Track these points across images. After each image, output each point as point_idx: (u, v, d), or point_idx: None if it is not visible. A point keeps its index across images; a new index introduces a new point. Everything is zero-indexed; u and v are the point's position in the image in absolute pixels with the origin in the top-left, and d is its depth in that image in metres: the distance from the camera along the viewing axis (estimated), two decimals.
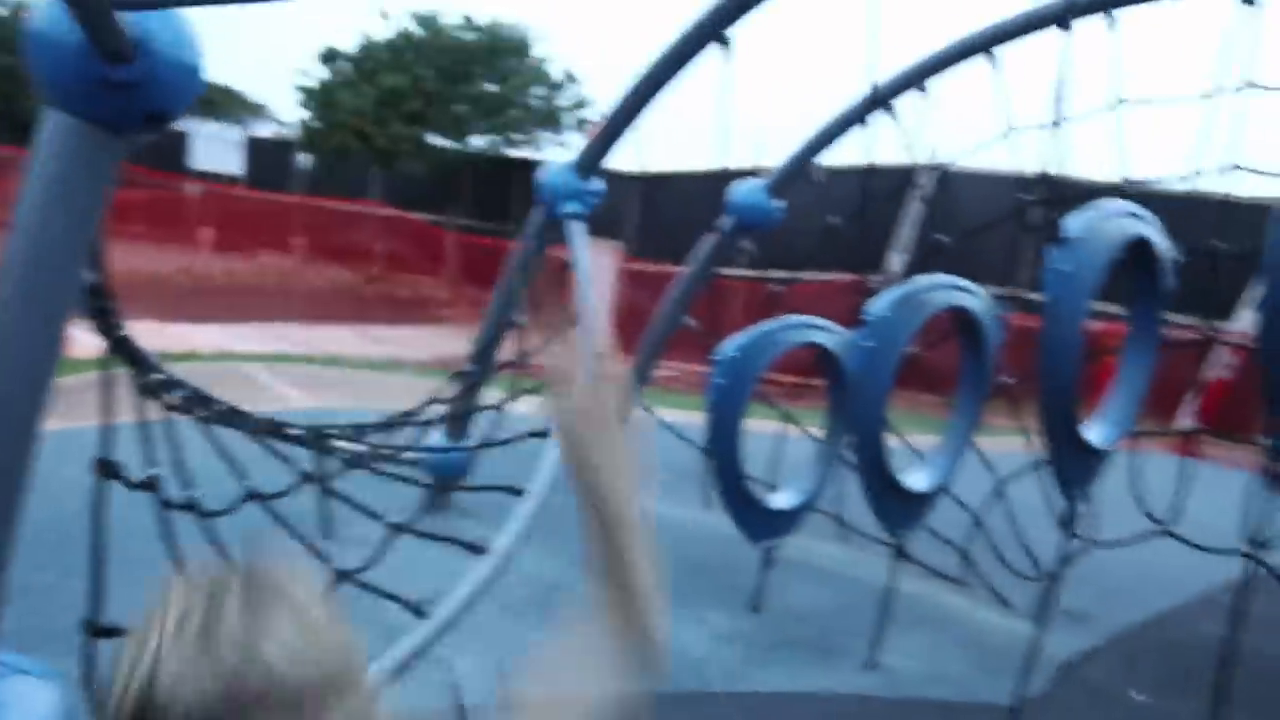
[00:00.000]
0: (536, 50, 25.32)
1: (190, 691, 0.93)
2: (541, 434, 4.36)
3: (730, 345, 4.93)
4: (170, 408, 3.46)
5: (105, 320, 2.88)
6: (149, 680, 0.94)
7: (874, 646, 4.97)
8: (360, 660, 1.12)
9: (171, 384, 3.59)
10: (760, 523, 5.34)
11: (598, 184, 5.62)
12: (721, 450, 5.02)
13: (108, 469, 2.60)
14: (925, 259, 5.76)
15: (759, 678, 4.71)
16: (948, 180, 8.08)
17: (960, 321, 5.12)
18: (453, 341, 16.34)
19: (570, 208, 5.36)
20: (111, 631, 2.67)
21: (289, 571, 1.09)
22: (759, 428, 5.33)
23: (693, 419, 10.30)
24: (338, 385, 10.62)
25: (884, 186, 6.24)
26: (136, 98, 2.26)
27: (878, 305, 4.69)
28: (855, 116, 5.77)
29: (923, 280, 4.98)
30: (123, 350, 2.95)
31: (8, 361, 2.18)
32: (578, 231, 5.26)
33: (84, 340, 2.79)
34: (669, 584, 4.89)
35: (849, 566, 6.45)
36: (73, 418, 2.84)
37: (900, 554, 5.17)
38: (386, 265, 23.86)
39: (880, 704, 4.57)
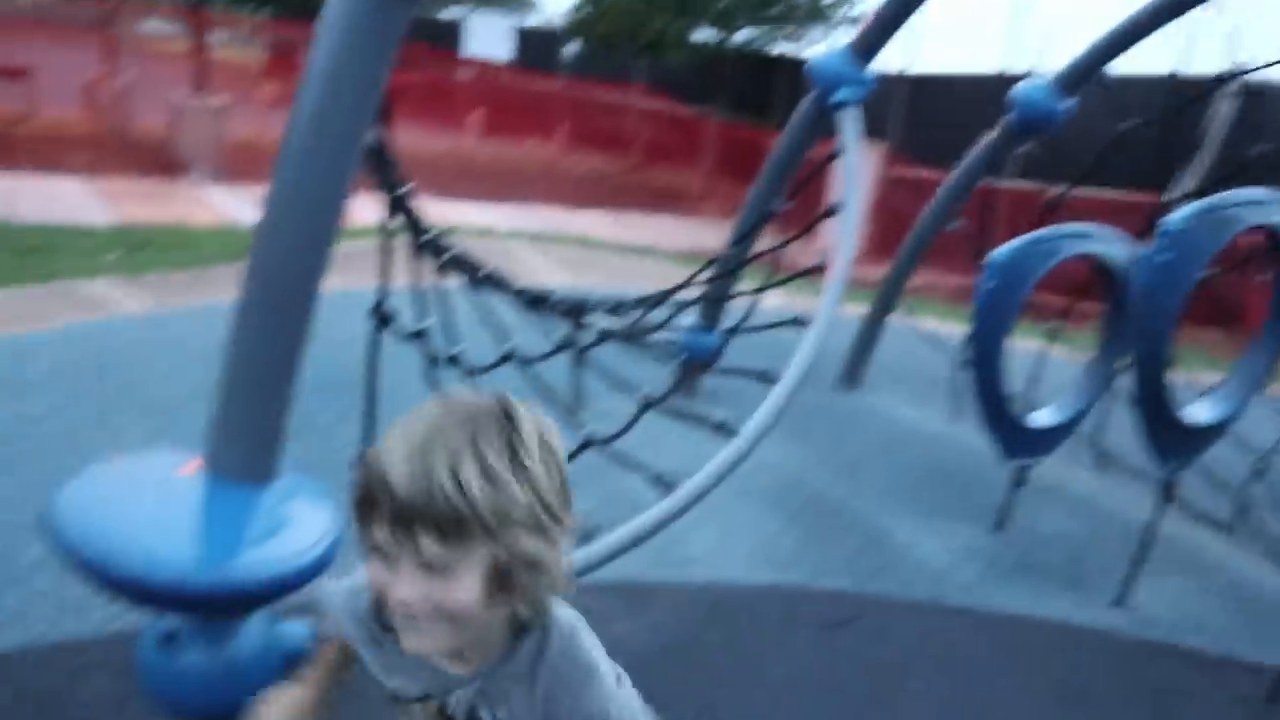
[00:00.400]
0: None
1: (402, 483, 1.16)
2: (797, 323, 4.28)
3: (1003, 249, 4.63)
4: (441, 268, 3.61)
5: (386, 177, 3.00)
6: (378, 467, 1.19)
7: (1125, 583, 4.66)
8: (554, 518, 1.24)
9: (443, 245, 3.75)
10: (1015, 440, 5.07)
11: (871, 73, 5.36)
12: (983, 359, 4.76)
13: (383, 317, 2.75)
14: (1229, 176, 5.14)
15: (997, 598, 4.53)
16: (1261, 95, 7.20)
17: (1274, 243, 4.58)
18: (706, 233, 16.38)
19: (843, 95, 5.13)
20: None
21: (531, 424, 1.24)
22: (1019, 346, 5.02)
23: (947, 329, 9.94)
24: (594, 266, 10.91)
25: (1183, 97, 5.62)
26: None
27: (1178, 217, 4.25)
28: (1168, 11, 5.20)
29: (1232, 194, 4.47)
30: (400, 207, 3.08)
31: (295, 220, 2.31)
32: (850, 120, 5.04)
33: (364, 209, 2.95)
34: (912, 493, 4.82)
35: (1104, 496, 6.05)
36: (353, 279, 3.03)
37: (1168, 491, 4.78)
38: (645, 155, 24.05)
39: (1126, 643, 4.30)
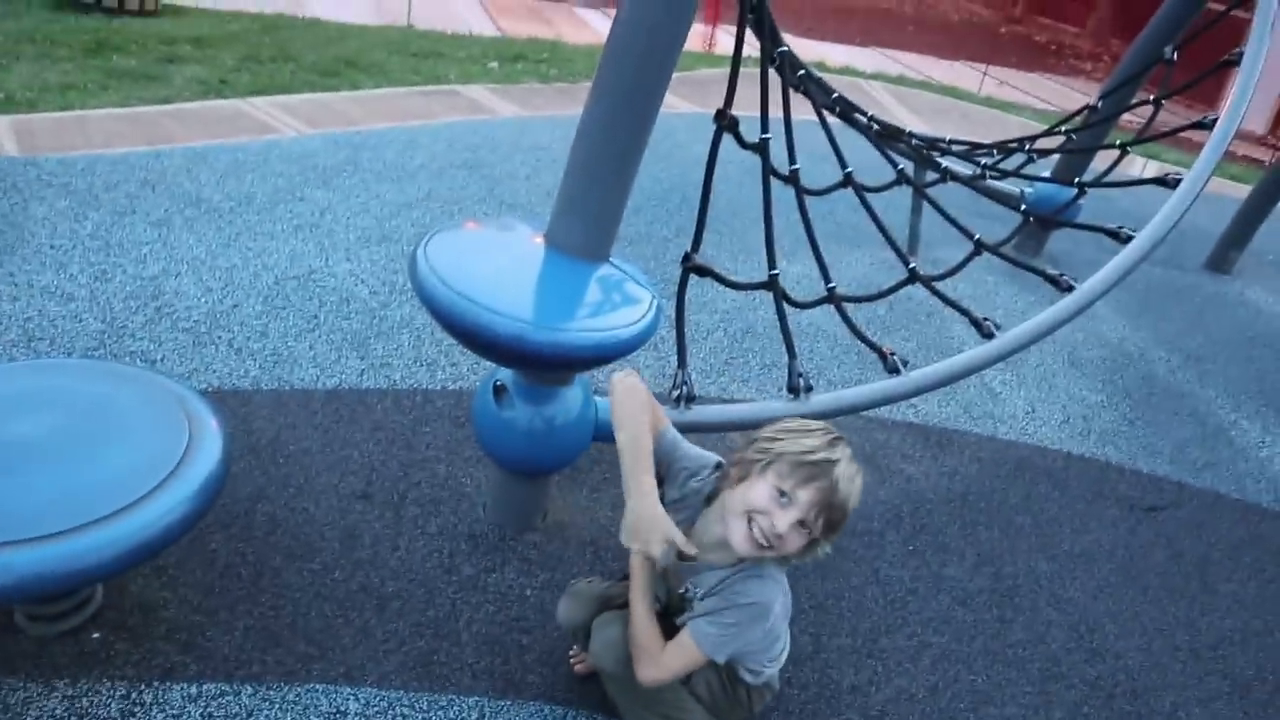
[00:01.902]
0: None
1: (841, 486, 1.89)
2: (1164, 183, 3.90)
3: None
4: (793, 86, 3.58)
5: None
6: (827, 459, 1.90)
7: None
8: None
9: (795, 63, 3.71)
10: None
11: None
12: None
13: (727, 120, 2.79)
14: None
15: None
16: None
17: None
18: (1084, 96, 15.02)
19: None
20: (701, 270, 2.95)
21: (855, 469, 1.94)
22: None
23: None
24: (953, 117, 10.36)
25: None
26: None
27: None
28: None
29: None
30: (758, 12, 3.06)
31: (639, 42, 2.36)
32: None
33: (727, 39, 2.96)
34: (1270, 394, 4.35)
35: None
36: (711, 104, 3.07)
37: None
38: (1027, 6, 22.13)
39: None
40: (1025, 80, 14.98)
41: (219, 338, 3.63)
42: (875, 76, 11.58)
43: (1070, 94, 14.91)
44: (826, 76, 10.05)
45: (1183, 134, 4.84)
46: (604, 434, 2.61)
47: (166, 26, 8.12)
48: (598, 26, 11.76)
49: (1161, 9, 5.19)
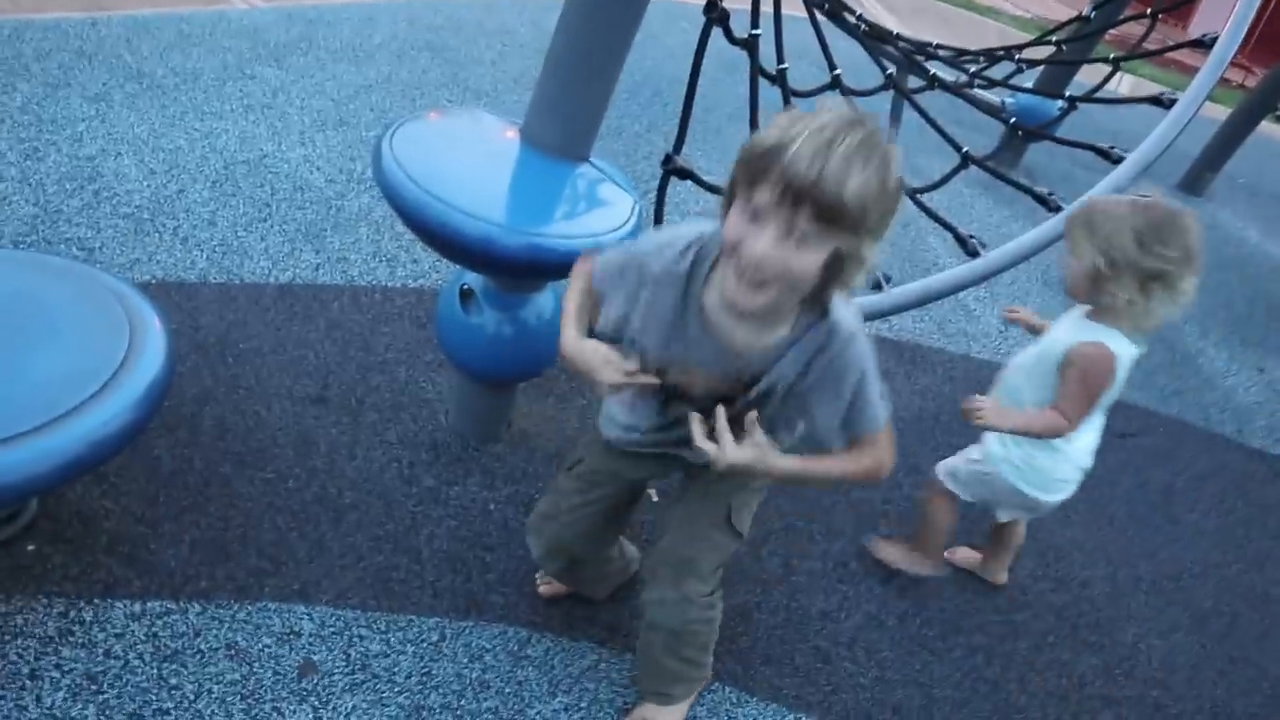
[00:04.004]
0: None
1: (804, 163, 1.31)
2: (1158, 103, 3.77)
3: None
4: None
5: None
6: (780, 142, 1.33)
7: None
8: (886, 230, 1.42)
9: None
10: None
11: None
12: None
13: (718, 13, 2.60)
14: None
15: None
16: None
17: None
18: (1063, 6, 14.72)
19: None
20: (682, 173, 2.80)
21: (894, 148, 1.37)
22: None
23: None
24: (933, 19, 10.08)
25: None
26: None
27: None
28: None
29: None
30: None
31: None
32: None
33: None
34: (1238, 321, 4.31)
35: None
36: None
37: None
38: None
39: None
40: None
41: (163, 225, 3.40)
42: None
43: (1047, 1, 14.61)
44: None
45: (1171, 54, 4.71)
46: None
47: None
48: None
49: None
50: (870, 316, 3.07)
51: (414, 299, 3.32)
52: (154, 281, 3.09)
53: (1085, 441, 2.38)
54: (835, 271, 1.42)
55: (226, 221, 3.50)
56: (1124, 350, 2.19)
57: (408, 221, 2.14)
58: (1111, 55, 4.37)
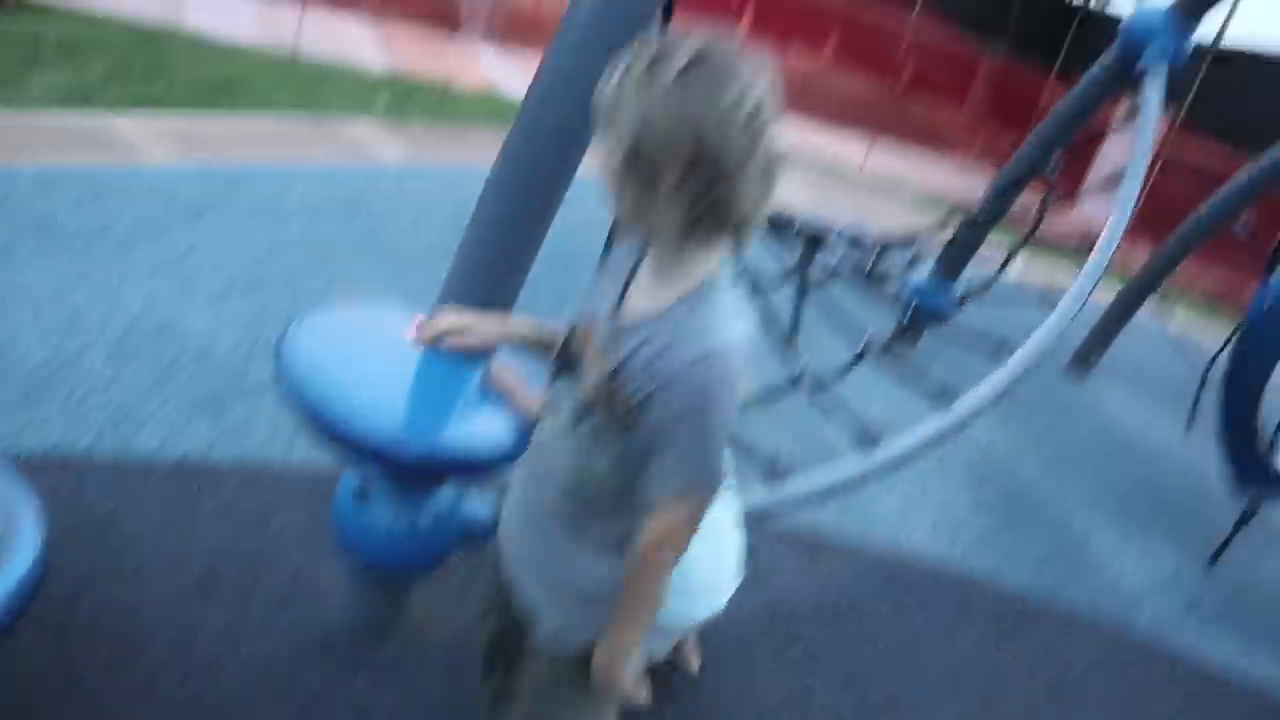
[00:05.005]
0: None
1: (607, 101, 1.30)
2: (1042, 303, 3.99)
3: None
4: None
5: None
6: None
7: None
8: (738, 134, 1.28)
9: None
10: (1254, 474, 4.62)
11: (1191, 38, 4.82)
12: (1241, 380, 4.32)
13: None
14: None
15: (1195, 642, 4.18)
16: None
17: None
18: (962, 177, 15.61)
19: (1154, 57, 4.63)
20: None
21: (743, 60, 1.28)
22: None
23: (1199, 332, 9.12)
24: (838, 193, 10.57)
25: None
26: None
27: None
28: None
29: None
30: None
31: (564, 104, 2.24)
32: (1156, 84, 4.55)
33: None
34: (1123, 503, 4.45)
35: None
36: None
37: None
38: (912, 83, 22.98)
39: None
40: (907, 155, 15.51)
41: (56, 389, 3.31)
42: None
43: (949, 173, 15.50)
44: None
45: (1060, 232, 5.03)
46: (476, 536, 2.45)
47: (29, 24, 7.57)
48: (490, 68, 11.58)
49: (1047, 120, 5.37)
50: (772, 514, 3.12)
51: (312, 481, 3.24)
52: (39, 452, 2.99)
53: None
54: (640, 172, 1.30)
55: (123, 387, 3.43)
56: None
57: (305, 424, 2.12)
58: (1009, 249, 4.65)
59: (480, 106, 9.23)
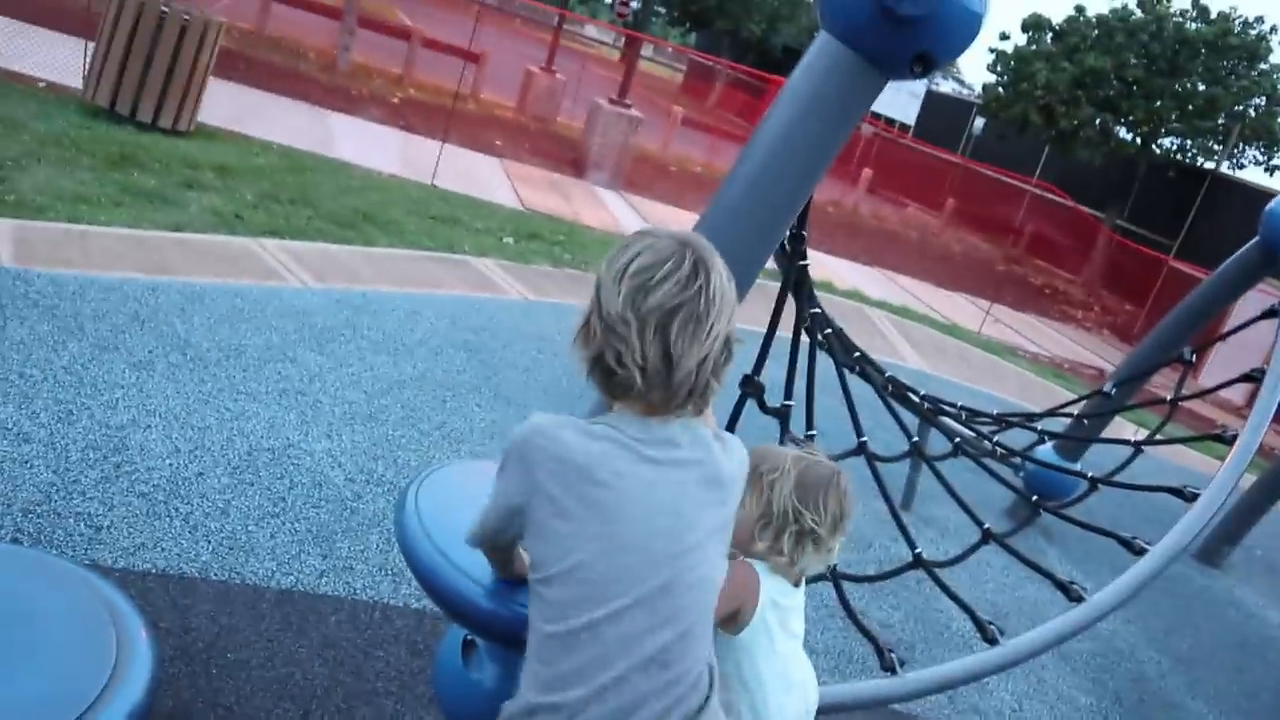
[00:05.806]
0: (1275, 57, 21.72)
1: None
2: (1179, 494, 3.77)
3: None
4: (818, 342, 3.49)
5: (797, 243, 2.94)
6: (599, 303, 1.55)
7: None
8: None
9: (825, 320, 3.64)
10: None
11: None
12: None
13: (754, 386, 2.68)
14: None
15: None
16: None
17: None
18: (1078, 345, 15.28)
19: None
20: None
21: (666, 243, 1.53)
22: None
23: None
24: (951, 356, 10.42)
25: None
26: (914, 34, 2.18)
27: None
28: None
29: None
30: (801, 276, 3.00)
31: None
32: None
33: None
34: (1260, 711, 4.03)
35: None
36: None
37: None
38: (1029, 247, 22.87)
39: None
40: (1022, 320, 15.26)
41: (176, 509, 3.38)
42: (880, 305, 11.71)
43: (1064, 340, 15.17)
44: (833, 299, 10.20)
45: (1182, 404, 4.80)
46: None
47: (194, 149, 8.13)
48: (615, 208, 11.94)
49: (1183, 305, 5.22)
50: (888, 702, 2.96)
51: (414, 621, 3.22)
52: (154, 571, 3.03)
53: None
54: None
55: (239, 513, 3.48)
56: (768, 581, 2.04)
57: (420, 581, 2.09)
58: (1133, 439, 4.45)
59: (603, 247, 9.46)
